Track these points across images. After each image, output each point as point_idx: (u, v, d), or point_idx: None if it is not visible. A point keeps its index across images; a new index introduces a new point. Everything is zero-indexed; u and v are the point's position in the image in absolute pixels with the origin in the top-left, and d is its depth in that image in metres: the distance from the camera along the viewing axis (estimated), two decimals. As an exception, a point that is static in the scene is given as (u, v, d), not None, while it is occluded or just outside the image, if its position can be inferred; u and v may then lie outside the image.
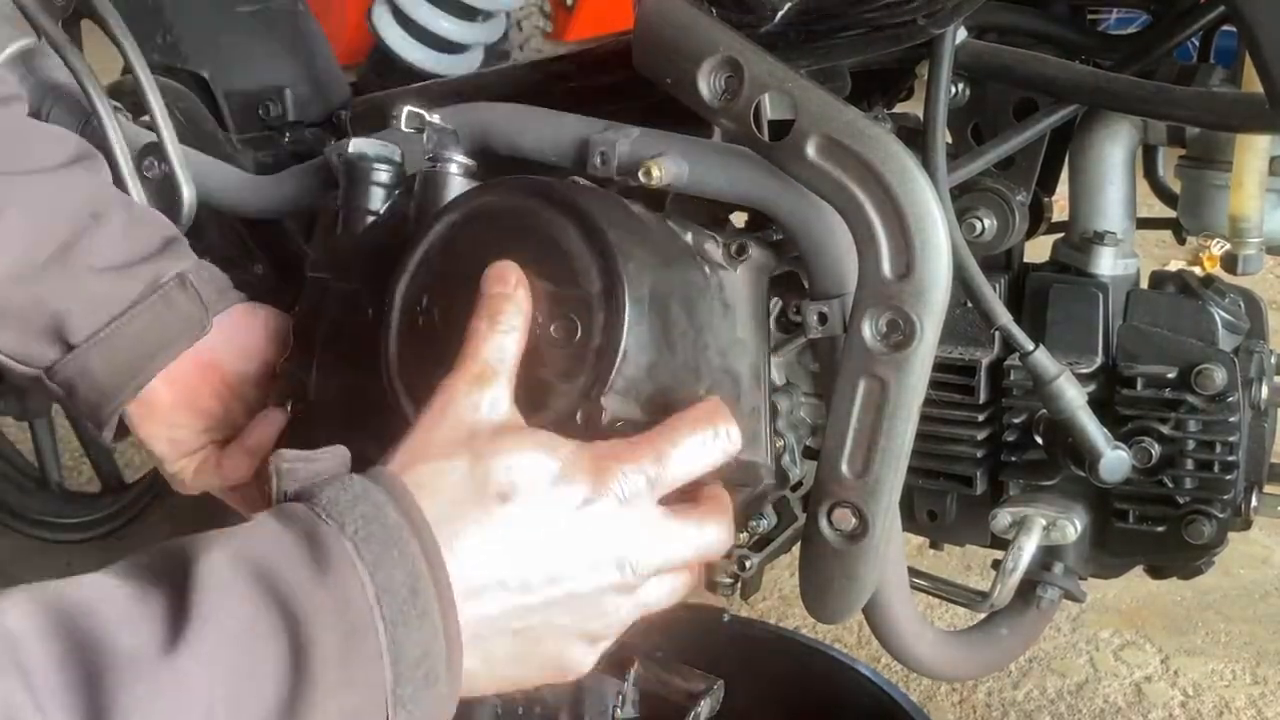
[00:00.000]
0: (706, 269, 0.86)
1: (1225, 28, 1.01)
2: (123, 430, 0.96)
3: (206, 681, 0.55)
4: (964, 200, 1.04)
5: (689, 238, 0.87)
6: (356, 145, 0.92)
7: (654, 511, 0.73)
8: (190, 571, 0.58)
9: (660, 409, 0.78)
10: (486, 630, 0.67)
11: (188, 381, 0.94)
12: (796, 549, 0.99)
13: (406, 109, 0.88)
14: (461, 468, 0.68)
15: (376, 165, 0.91)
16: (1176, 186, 1.08)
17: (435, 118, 0.88)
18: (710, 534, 0.78)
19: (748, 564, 1.08)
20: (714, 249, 0.89)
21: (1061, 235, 1.10)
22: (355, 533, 0.62)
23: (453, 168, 0.86)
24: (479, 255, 0.78)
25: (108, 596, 0.57)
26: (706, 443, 0.76)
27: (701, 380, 0.82)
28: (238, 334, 0.96)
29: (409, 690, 0.61)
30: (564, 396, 0.76)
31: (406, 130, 0.88)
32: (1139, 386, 1.02)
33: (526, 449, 0.70)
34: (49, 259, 0.88)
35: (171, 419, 0.95)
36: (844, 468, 0.87)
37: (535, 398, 0.77)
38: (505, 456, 0.69)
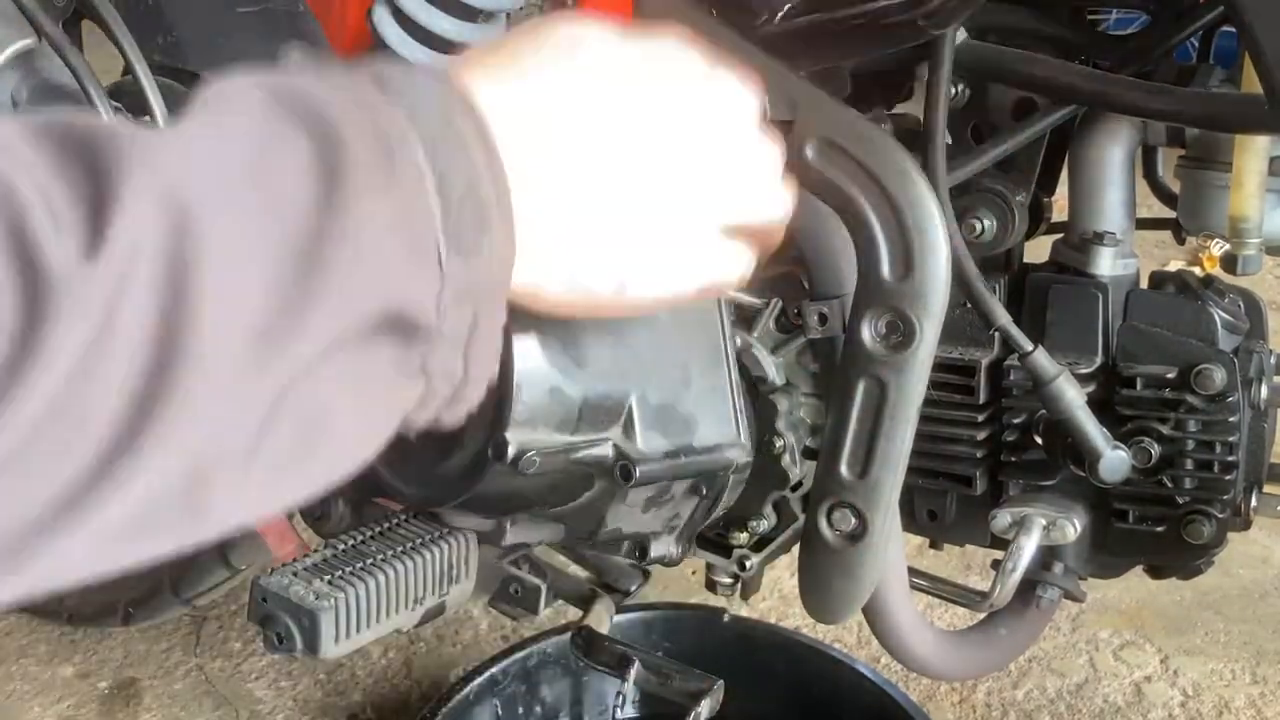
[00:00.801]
0: None
1: (1225, 28, 1.01)
2: None
3: (228, 149, 0.45)
4: (963, 201, 1.04)
5: None
6: None
7: None
8: (205, 89, 0.48)
9: (585, 423, 0.79)
10: (561, 195, 0.56)
11: None
12: (796, 549, 0.99)
13: None
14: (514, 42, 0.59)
15: None
16: (1176, 187, 1.08)
17: None
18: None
19: (748, 564, 1.08)
20: None
21: (1061, 236, 1.10)
22: (380, 76, 0.52)
23: None
24: None
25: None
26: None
27: (629, 381, 0.82)
28: None
29: (460, 227, 0.50)
30: (473, 432, 0.78)
31: None
32: (1138, 387, 1.02)
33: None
34: None
35: None
36: (844, 468, 0.87)
37: (446, 438, 0.78)
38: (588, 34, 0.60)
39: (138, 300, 0.41)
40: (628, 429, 0.83)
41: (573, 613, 1.27)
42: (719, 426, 0.88)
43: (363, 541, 0.97)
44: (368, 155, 0.48)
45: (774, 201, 0.66)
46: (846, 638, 1.86)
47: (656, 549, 0.97)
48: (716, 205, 0.63)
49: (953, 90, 1.01)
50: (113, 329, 0.40)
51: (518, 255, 0.54)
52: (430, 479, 0.84)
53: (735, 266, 0.66)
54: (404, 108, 0.50)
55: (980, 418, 1.07)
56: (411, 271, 0.49)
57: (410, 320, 0.49)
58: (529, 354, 0.78)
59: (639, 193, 0.59)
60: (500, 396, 0.77)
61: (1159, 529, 1.04)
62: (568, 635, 1.18)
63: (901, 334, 0.81)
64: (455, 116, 0.52)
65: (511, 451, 0.77)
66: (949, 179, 0.95)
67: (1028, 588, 1.10)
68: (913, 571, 1.07)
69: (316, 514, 1.02)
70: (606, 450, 0.82)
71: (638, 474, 0.82)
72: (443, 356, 0.52)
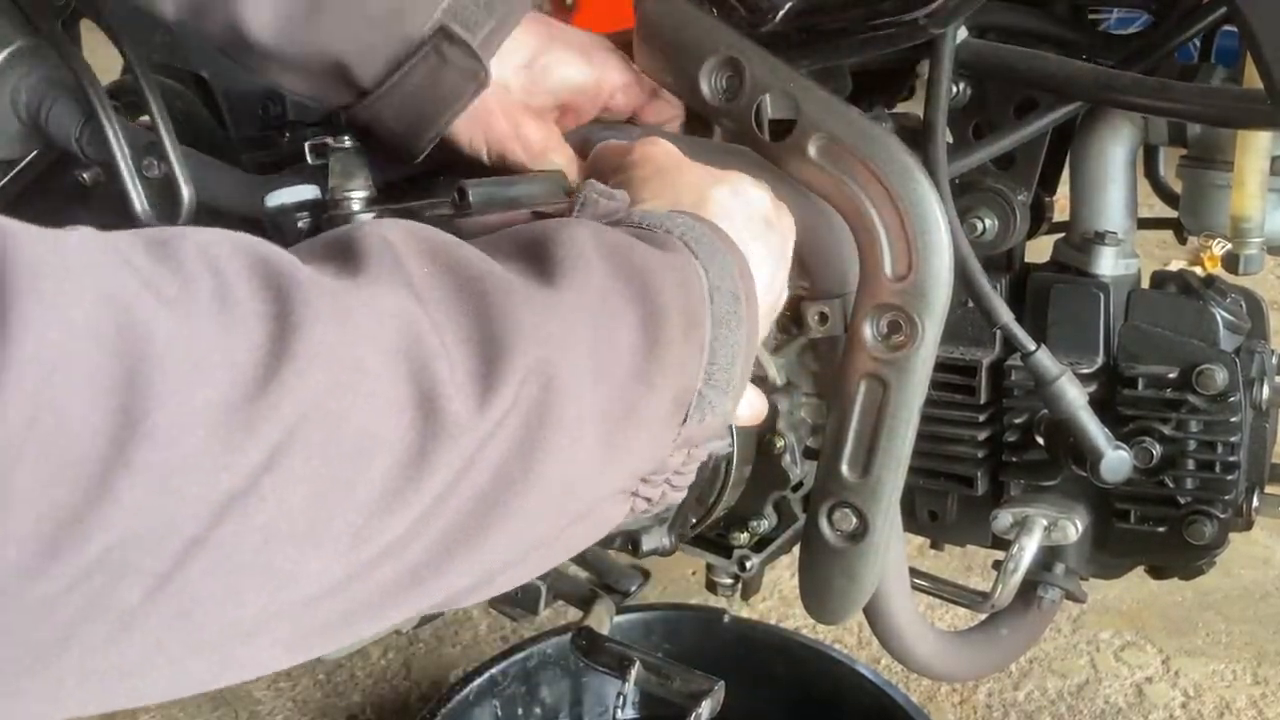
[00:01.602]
0: None
1: (1226, 28, 1.00)
2: None
3: (577, 316, 0.55)
4: (965, 200, 1.04)
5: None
6: (276, 197, 0.90)
7: None
8: (547, 238, 0.58)
9: None
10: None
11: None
12: (797, 549, 0.99)
13: (309, 142, 0.88)
14: (726, 194, 0.72)
15: (298, 214, 0.90)
16: (1177, 186, 1.08)
17: (345, 140, 0.88)
18: None
19: (748, 564, 1.08)
20: None
21: (1062, 235, 1.09)
22: (683, 235, 0.63)
23: (354, 204, 0.86)
24: None
25: (471, 247, 0.56)
26: None
27: None
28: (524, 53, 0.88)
29: (711, 394, 0.62)
30: None
31: (315, 162, 0.88)
32: (1140, 387, 1.02)
33: (748, 180, 0.76)
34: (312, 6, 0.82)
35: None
36: (844, 468, 0.87)
37: None
38: (747, 184, 0.75)
39: (499, 445, 0.51)
40: None
41: (573, 613, 1.27)
42: None
43: (362, 542, 0.96)
44: (678, 333, 0.59)
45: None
46: (847, 638, 1.86)
47: (649, 543, 0.97)
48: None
49: (954, 89, 1.01)
50: (472, 463, 0.50)
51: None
52: None
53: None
54: (709, 280, 0.62)
55: (982, 418, 1.06)
56: (666, 437, 0.61)
57: (645, 472, 0.62)
58: None
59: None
60: None
61: (1160, 529, 1.04)
62: (568, 636, 1.18)
63: (903, 333, 0.81)
64: (739, 291, 0.64)
65: None
66: (947, 170, 0.95)
67: (1029, 588, 1.10)
68: (914, 572, 1.07)
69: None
70: None
71: None
72: (650, 490, 0.64)
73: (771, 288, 0.72)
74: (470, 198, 0.84)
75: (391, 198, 0.88)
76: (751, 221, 0.71)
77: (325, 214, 0.87)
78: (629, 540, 0.96)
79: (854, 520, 0.87)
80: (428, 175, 0.94)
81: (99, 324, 0.39)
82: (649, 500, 0.65)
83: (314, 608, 0.47)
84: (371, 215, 0.85)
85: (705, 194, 0.71)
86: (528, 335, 0.52)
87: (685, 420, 0.61)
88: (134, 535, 0.40)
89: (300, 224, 0.89)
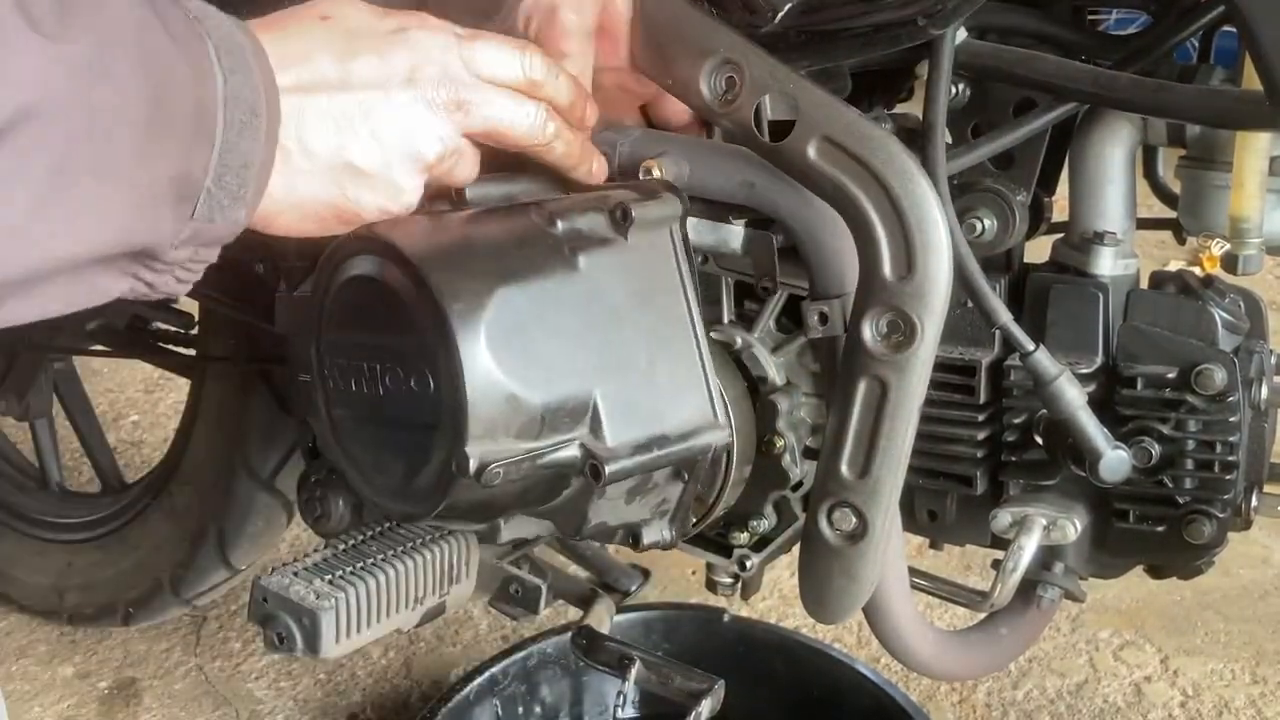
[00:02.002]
0: (580, 257, 0.82)
1: (1225, 28, 1.01)
2: None
3: (75, 72, 0.58)
4: (964, 200, 1.04)
5: (560, 227, 0.83)
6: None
7: (462, 36, 0.79)
8: None
9: (548, 427, 0.79)
10: (301, 150, 0.72)
11: None
12: (797, 549, 0.99)
13: None
14: (289, 14, 0.76)
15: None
16: (1176, 187, 1.08)
17: None
18: (513, 107, 0.81)
19: (748, 564, 1.08)
20: (598, 224, 0.85)
21: (1061, 235, 1.10)
22: (218, 40, 0.67)
23: None
24: (358, 315, 0.82)
25: None
26: (510, 49, 0.81)
27: (591, 379, 0.80)
28: None
29: (221, 195, 0.66)
30: (438, 448, 0.78)
31: None
32: (1139, 386, 1.02)
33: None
34: None
35: None
36: (844, 468, 0.87)
37: (415, 453, 0.78)
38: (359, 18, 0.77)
39: None
40: (595, 427, 0.82)
41: (573, 613, 1.27)
42: (693, 411, 0.87)
43: (363, 541, 0.96)
44: (182, 124, 0.63)
45: (506, 118, 0.81)
46: (846, 638, 1.86)
47: (649, 535, 0.97)
48: (446, 123, 0.79)
49: (953, 90, 1.01)
50: None
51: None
52: (404, 494, 0.84)
53: (471, 162, 0.82)
54: (227, 86, 0.66)
55: (981, 417, 1.07)
56: (163, 217, 0.65)
57: (134, 250, 0.65)
58: (481, 365, 0.76)
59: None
60: (456, 411, 0.77)
61: (1159, 529, 1.04)
62: (568, 635, 1.18)
63: (903, 333, 0.81)
64: (260, 105, 0.67)
65: (473, 465, 0.77)
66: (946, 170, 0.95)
67: (1028, 588, 1.10)
68: (913, 571, 1.07)
69: (316, 514, 1.02)
70: (574, 451, 0.81)
71: (607, 473, 0.81)
72: (151, 276, 0.67)
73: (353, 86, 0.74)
74: (467, 195, 0.84)
75: None
76: (304, 17, 0.75)
77: None
78: (629, 533, 0.96)
79: (853, 520, 0.87)
80: None
81: None
82: (150, 285, 0.68)
83: None
84: None
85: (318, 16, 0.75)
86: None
87: (193, 215, 0.65)
88: None
89: (259, 269, 0.91)
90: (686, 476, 0.91)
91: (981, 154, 1.00)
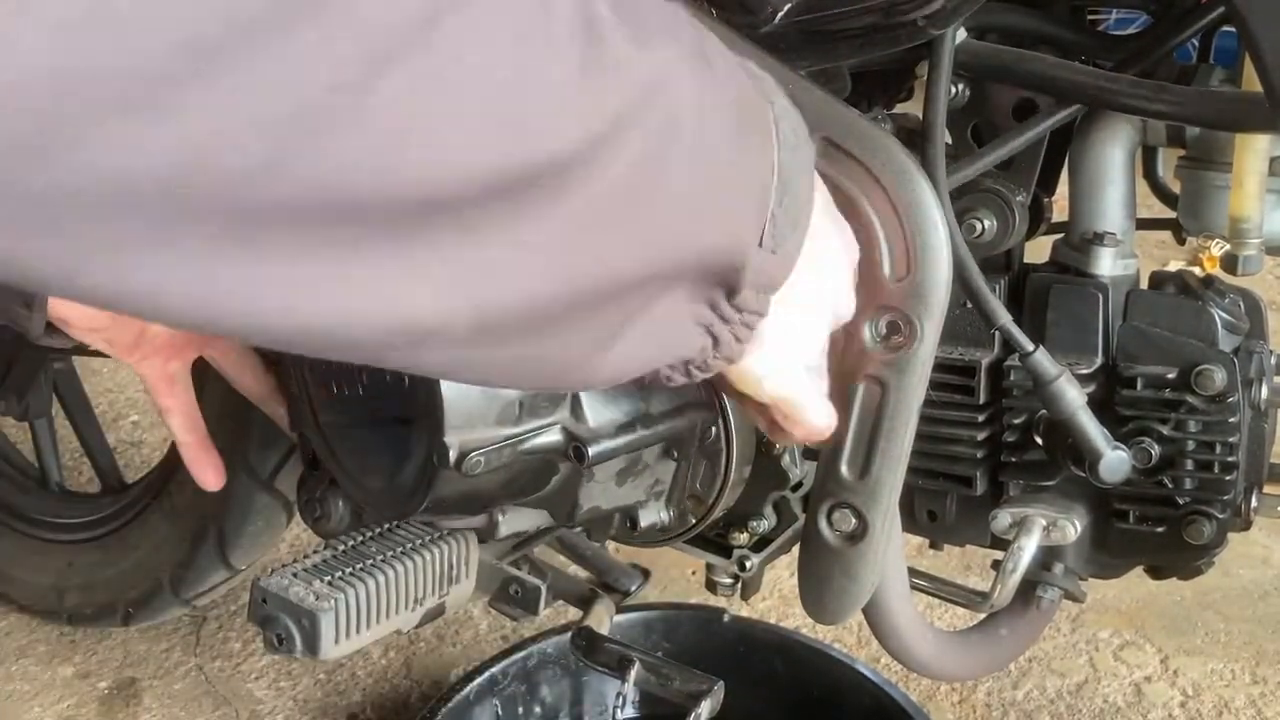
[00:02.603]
0: None
1: (1225, 28, 1.01)
2: (56, 335, 0.89)
3: (686, 60, 0.51)
4: (964, 201, 1.04)
5: None
6: None
7: None
8: None
9: (527, 412, 0.78)
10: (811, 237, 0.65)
11: None
12: (796, 549, 0.99)
13: None
14: None
15: None
16: (1176, 187, 1.08)
17: None
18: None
19: (748, 564, 1.08)
20: None
21: (1061, 236, 1.10)
22: (775, 106, 0.60)
23: None
24: None
25: None
26: None
27: None
28: None
29: (782, 217, 0.58)
30: (419, 442, 0.78)
31: None
32: (1139, 387, 1.02)
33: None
34: None
35: None
36: (844, 468, 0.87)
37: (398, 451, 0.78)
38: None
39: (654, 114, 0.48)
40: (575, 409, 0.82)
41: (573, 613, 1.27)
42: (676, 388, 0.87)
43: (363, 542, 0.96)
44: (754, 133, 0.56)
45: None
46: (846, 638, 1.86)
47: (646, 517, 0.96)
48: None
49: (953, 90, 1.01)
50: (640, 108, 0.47)
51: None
52: (392, 493, 0.84)
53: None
54: (773, 111, 0.59)
55: (980, 418, 1.07)
56: (750, 223, 0.57)
57: (720, 267, 0.56)
58: None
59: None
60: (431, 402, 0.76)
61: (1159, 529, 1.04)
62: (568, 635, 1.18)
63: (902, 334, 0.81)
64: (805, 144, 0.61)
65: (453, 455, 0.77)
66: (949, 181, 0.95)
67: (1028, 588, 1.10)
68: (913, 572, 1.07)
69: (316, 514, 1.02)
70: (555, 435, 0.81)
71: (591, 454, 0.81)
72: (720, 327, 0.59)
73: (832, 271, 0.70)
74: None
75: None
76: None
77: None
78: (626, 517, 0.95)
79: (853, 521, 0.87)
80: None
81: None
82: (716, 340, 0.59)
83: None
84: None
85: None
86: (658, 31, 0.49)
87: (761, 242, 0.57)
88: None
89: None
90: (677, 454, 0.90)
91: (984, 164, 1.00)
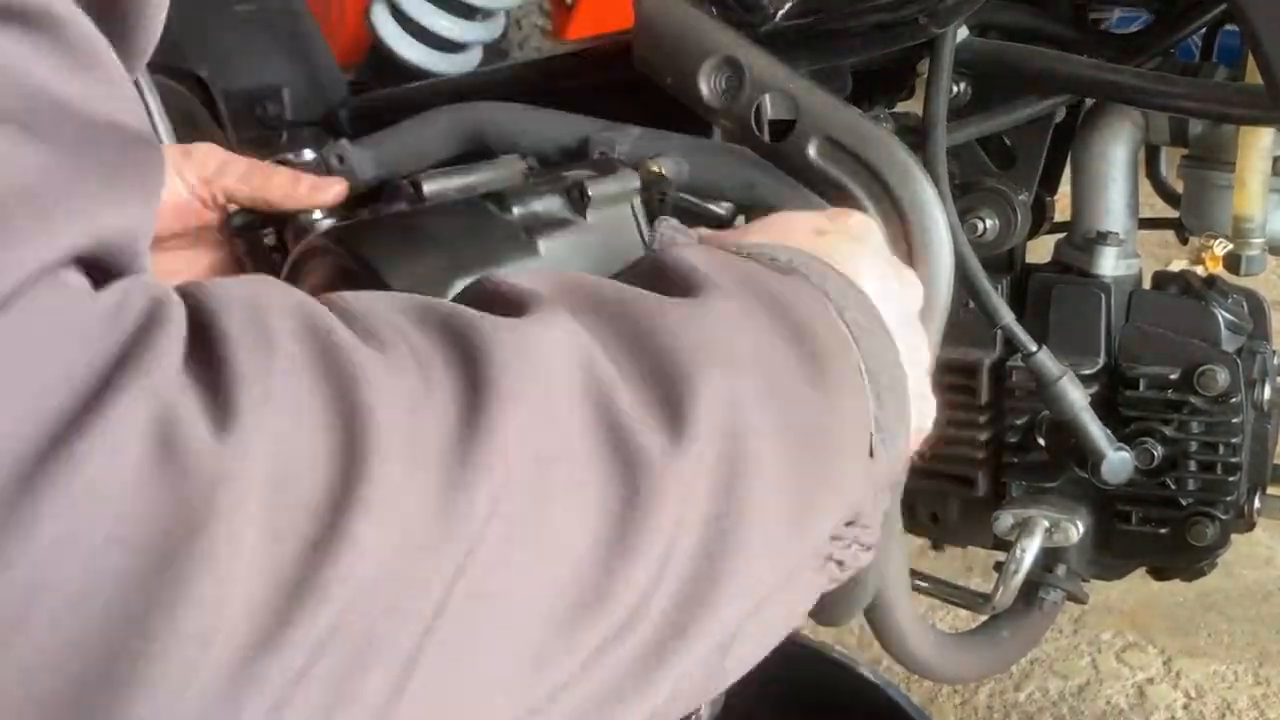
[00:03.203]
0: (539, 240, 0.80)
1: (1228, 26, 1.00)
2: None
3: (736, 332, 0.48)
4: (966, 200, 1.04)
5: (516, 212, 0.81)
6: (243, 216, 0.89)
7: None
8: (662, 263, 0.53)
9: None
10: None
11: None
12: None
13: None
14: (839, 234, 0.63)
15: (263, 230, 0.90)
16: (1179, 186, 1.08)
17: (305, 154, 0.90)
18: None
19: (748, 566, 1.07)
20: (555, 205, 0.82)
21: (1064, 235, 1.09)
22: (791, 260, 0.55)
23: (315, 214, 0.86)
24: None
25: (601, 279, 0.51)
26: None
27: None
28: None
29: (885, 419, 0.54)
30: None
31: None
32: (1142, 387, 1.01)
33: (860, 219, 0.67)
34: None
35: None
36: (845, 470, 0.86)
37: None
38: (862, 223, 0.65)
39: (701, 490, 0.43)
40: None
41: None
42: None
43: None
44: (835, 349, 0.52)
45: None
46: (848, 639, 1.86)
47: None
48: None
49: (954, 88, 1.01)
50: (683, 521, 0.42)
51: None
52: None
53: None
54: (843, 316, 0.54)
55: (983, 419, 1.06)
56: (856, 478, 0.53)
57: (847, 520, 0.53)
58: None
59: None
60: None
61: (1162, 530, 1.04)
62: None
63: (903, 334, 0.81)
64: (877, 320, 0.56)
65: None
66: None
67: (1030, 589, 1.10)
68: (914, 573, 1.07)
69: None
70: None
71: None
72: (841, 551, 0.55)
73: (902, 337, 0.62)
74: (424, 190, 0.83)
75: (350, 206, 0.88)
76: (873, 262, 0.62)
77: (287, 227, 0.87)
78: None
79: (854, 522, 0.87)
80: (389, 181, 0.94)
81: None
82: (841, 564, 0.55)
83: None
84: (331, 223, 0.85)
85: (814, 231, 0.62)
86: (696, 353, 0.45)
87: (872, 454, 0.53)
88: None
89: (267, 240, 0.89)
90: None
91: (968, 134, 0.99)
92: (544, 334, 0.43)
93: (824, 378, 0.50)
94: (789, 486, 0.47)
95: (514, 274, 0.50)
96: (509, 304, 0.45)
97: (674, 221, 0.65)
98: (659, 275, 0.52)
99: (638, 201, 0.86)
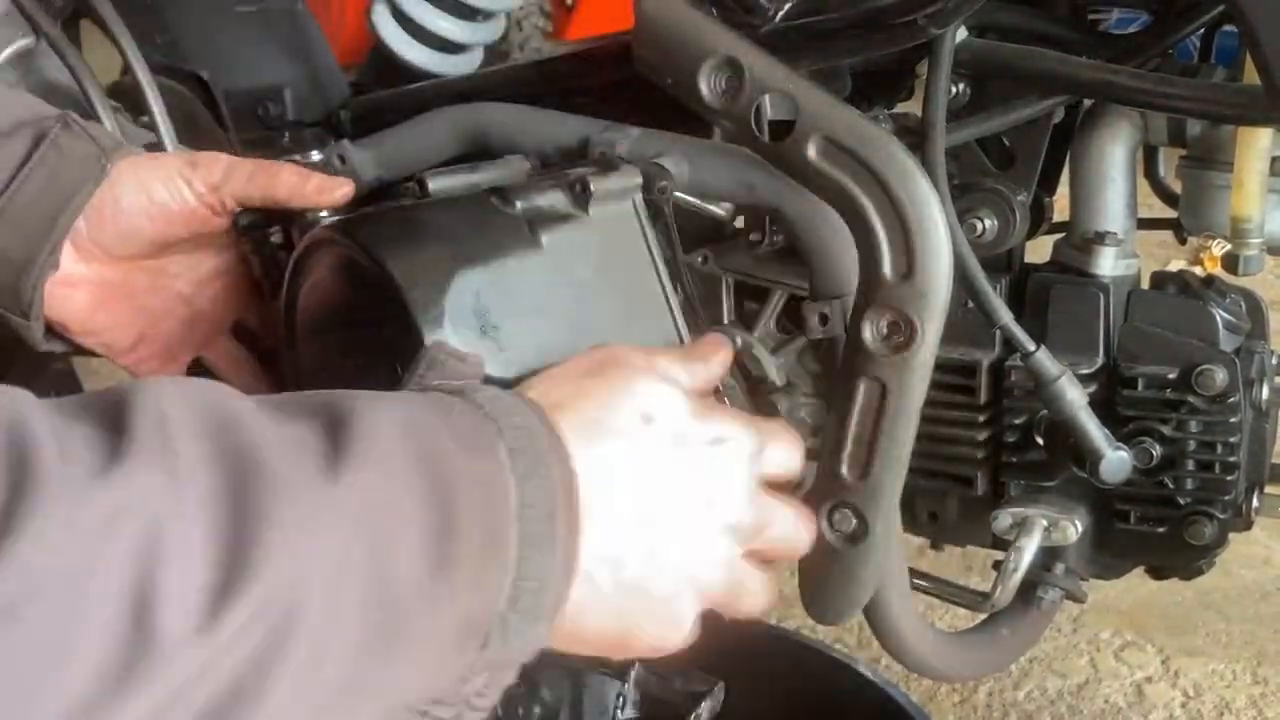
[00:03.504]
0: (542, 235, 0.81)
1: (1226, 28, 1.00)
2: (56, 340, 0.89)
3: (353, 522, 0.50)
4: (965, 200, 1.04)
5: (519, 206, 0.82)
6: (249, 215, 0.89)
7: (762, 436, 0.70)
8: (348, 417, 0.52)
9: None
10: (600, 570, 0.60)
11: (99, 258, 0.87)
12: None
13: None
14: (600, 391, 0.64)
15: (269, 229, 0.90)
16: (1177, 187, 1.08)
17: (313, 155, 0.91)
18: (799, 525, 0.73)
19: (748, 565, 1.07)
20: (558, 200, 0.83)
21: (1062, 235, 1.09)
22: (511, 439, 0.56)
23: (320, 213, 0.86)
24: (329, 316, 0.82)
25: (261, 418, 0.51)
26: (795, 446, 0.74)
27: (556, 351, 0.76)
28: (146, 183, 0.85)
29: (515, 620, 0.55)
30: None
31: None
32: (1140, 387, 1.02)
33: (663, 383, 0.66)
34: None
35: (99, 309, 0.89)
36: (844, 469, 0.86)
37: None
38: (646, 383, 0.65)
39: (222, 672, 0.45)
40: None
41: (573, 613, 1.27)
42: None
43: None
44: (476, 549, 0.53)
45: (793, 538, 0.73)
46: (847, 638, 1.86)
47: None
48: (736, 548, 0.68)
49: (953, 89, 1.01)
50: (187, 687, 0.45)
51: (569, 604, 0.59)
52: None
53: (758, 588, 0.72)
54: (519, 495, 0.55)
55: (981, 418, 1.06)
56: (456, 663, 0.55)
57: (431, 700, 0.56)
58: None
59: (680, 552, 0.65)
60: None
61: (1160, 530, 1.04)
62: (568, 636, 1.18)
63: (903, 334, 0.81)
64: (558, 512, 0.57)
65: None
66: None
67: (1029, 588, 1.10)
68: (913, 572, 1.07)
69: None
70: None
71: None
72: (441, 712, 0.57)
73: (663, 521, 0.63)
74: (430, 187, 0.84)
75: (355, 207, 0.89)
76: (621, 417, 0.63)
77: (294, 225, 0.87)
78: None
79: (853, 521, 0.87)
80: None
81: None
82: None
83: None
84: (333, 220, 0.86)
85: (642, 419, 0.63)
86: (284, 548, 0.47)
87: (485, 645, 0.55)
88: None
89: (274, 238, 0.90)
90: None
91: (968, 134, 0.99)
92: (116, 496, 0.44)
93: (444, 582, 0.52)
94: (332, 685, 0.49)
95: (160, 389, 0.50)
96: (122, 427, 0.47)
97: (449, 347, 0.65)
98: (335, 421, 0.52)
99: (639, 198, 0.87)
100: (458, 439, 0.55)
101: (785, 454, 0.72)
